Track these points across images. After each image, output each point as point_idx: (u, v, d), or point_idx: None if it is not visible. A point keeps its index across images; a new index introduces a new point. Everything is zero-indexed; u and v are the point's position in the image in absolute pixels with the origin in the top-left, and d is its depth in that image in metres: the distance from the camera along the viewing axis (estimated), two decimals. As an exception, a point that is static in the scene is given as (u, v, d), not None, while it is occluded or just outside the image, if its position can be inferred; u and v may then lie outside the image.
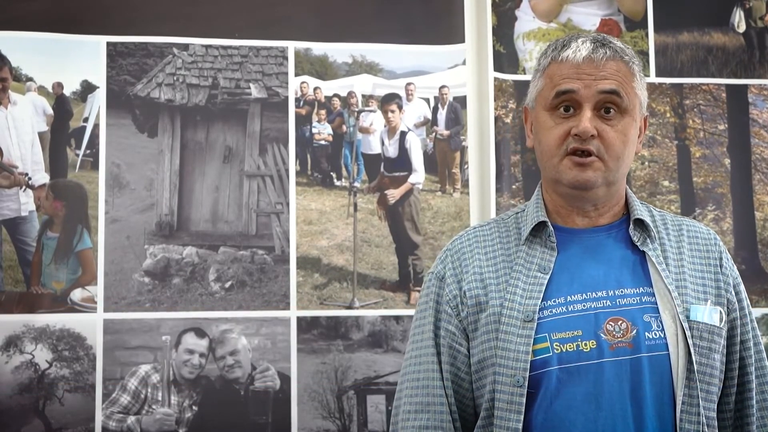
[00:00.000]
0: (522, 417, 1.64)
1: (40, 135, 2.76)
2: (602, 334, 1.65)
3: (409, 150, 2.92)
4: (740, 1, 3.09)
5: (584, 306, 1.68)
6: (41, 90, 2.76)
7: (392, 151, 2.93)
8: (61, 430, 2.62)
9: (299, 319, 2.76)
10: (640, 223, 1.77)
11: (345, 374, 2.76)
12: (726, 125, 3.03)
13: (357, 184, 2.89)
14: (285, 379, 2.73)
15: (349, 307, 2.80)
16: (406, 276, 2.84)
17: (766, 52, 3.08)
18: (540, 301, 1.68)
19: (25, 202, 2.72)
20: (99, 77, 2.77)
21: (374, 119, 2.93)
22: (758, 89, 3.05)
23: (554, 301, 1.69)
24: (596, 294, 1.69)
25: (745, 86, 3.05)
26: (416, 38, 2.91)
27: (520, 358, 1.65)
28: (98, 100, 2.77)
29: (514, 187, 2.89)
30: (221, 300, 2.75)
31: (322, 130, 2.89)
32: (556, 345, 1.65)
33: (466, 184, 2.91)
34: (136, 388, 2.66)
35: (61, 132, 2.76)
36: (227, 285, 2.76)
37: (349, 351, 2.77)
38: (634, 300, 1.69)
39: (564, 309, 1.68)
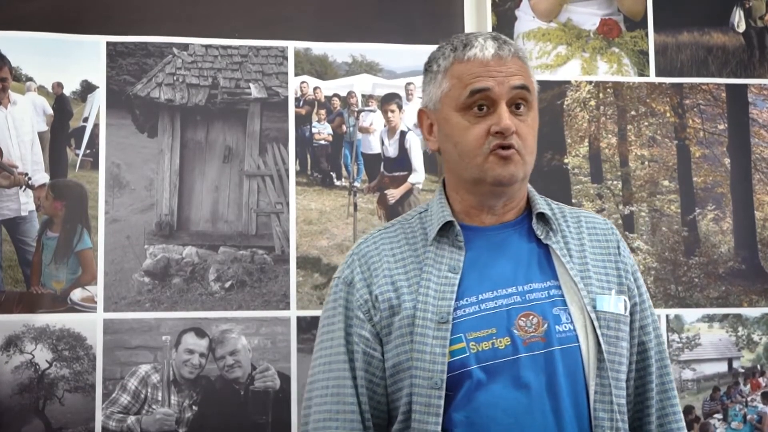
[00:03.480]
0: (440, 419, 1.65)
1: (40, 135, 2.76)
2: (515, 330, 1.67)
3: (409, 150, 2.92)
4: (740, 1, 3.09)
5: (495, 303, 1.70)
6: (41, 90, 2.76)
7: (392, 150, 2.93)
8: (61, 430, 2.62)
9: (299, 319, 2.76)
10: (542, 217, 1.79)
11: (345, 374, 2.76)
12: (726, 125, 3.04)
13: (357, 184, 2.89)
14: (285, 379, 2.73)
15: (349, 307, 2.80)
16: (406, 276, 2.84)
17: (766, 51, 3.08)
18: (453, 301, 1.69)
19: (25, 202, 2.72)
20: (99, 77, 2.77)
21: (374, 119, 2.93)
22: (758, 89, 3.05)
23: (466, 301, 1.70)
24: (506, 291, 1.71)
25: (745, 86, 3.05)
26: (416, 38, 2.91)
27: (436, 360, 1.66)
28: (98, 100, 2.77)
29: (514, 186, 2.88)
30: (221, 300, 2.75)
31: (322, 130, 2.89)
32: (472, 345, 1.67)
33: (466, 183, 2.91)
34: (136, 388, 2.66)
35: (61, 132, 2.76)
36: (227, 285, 2.76)
37: (349, 351, 2.77)
38: (542, 294, 1.71)
39: (477, 308, 1.69)
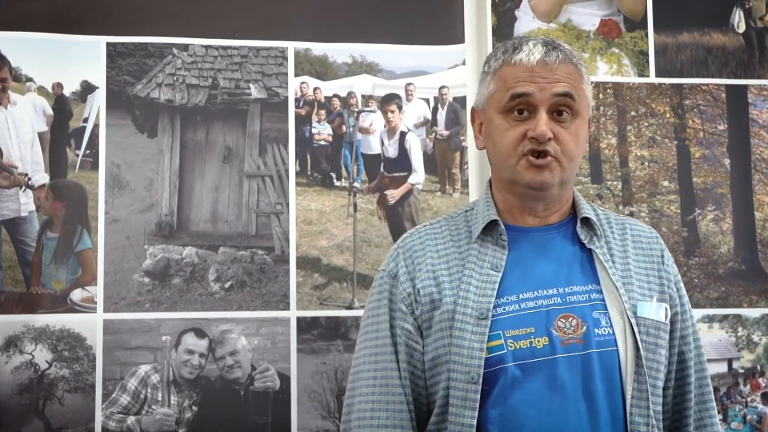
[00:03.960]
0: (476, 413, 1.66)
1: (40, 135, 2.76)
2: (554, 331, 1.69)
3: (409, 150, 2.92)
4: (740, 1, 3.09)
5: (536, 303, 1.71)
6: (41, 90, 2.76)
7: (392, 151, 2.93)
8: (61, 430, 2.62)
9: (299, 320, 2.76)
10: (587, 222, 1.81)
11: (345, 374, 2.76)
12: (726, 125, 3.04)
13: (357, 185, 2.89)
14: (285, 379, 2.73)
15: (349, 308, 2.80)
16: (406, 276, 2.83)
17: (766, 52, 3.08)
18: (494, 298, 1.71)
19: (25, 203, 2.72)
20: (99, 77, 2.77)
21: (374, 119, 2.93)
22: (758, 89, 3.05)
23: (507, 299, 1.72)
24: (547, 291, 1.72)
25: (745, 86, 3.05)
26: (416, 38, 2.91)
27: (474, 355, 1.68)
28: (98, 101, 2.77)
29: (513, 187, 2.88)
30: (221, 300, 2.75)
31: (322, 131, 2.89)
32: (510, 342, 1.68)
33: (465, 184, 2.91)
34: (135, 389, 2.66)
35: (61, 132, 2.76)
36: (227, 285, 2.76)
37: (349, 351, 2.77)
38: (583, 297, 1.72)
39: (517, 306, 1.71)
